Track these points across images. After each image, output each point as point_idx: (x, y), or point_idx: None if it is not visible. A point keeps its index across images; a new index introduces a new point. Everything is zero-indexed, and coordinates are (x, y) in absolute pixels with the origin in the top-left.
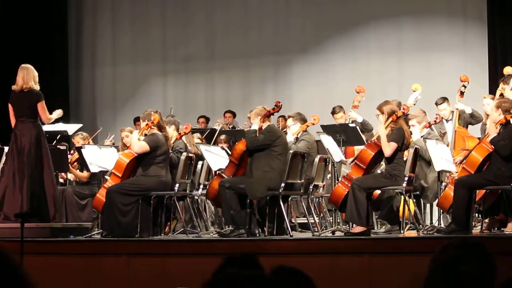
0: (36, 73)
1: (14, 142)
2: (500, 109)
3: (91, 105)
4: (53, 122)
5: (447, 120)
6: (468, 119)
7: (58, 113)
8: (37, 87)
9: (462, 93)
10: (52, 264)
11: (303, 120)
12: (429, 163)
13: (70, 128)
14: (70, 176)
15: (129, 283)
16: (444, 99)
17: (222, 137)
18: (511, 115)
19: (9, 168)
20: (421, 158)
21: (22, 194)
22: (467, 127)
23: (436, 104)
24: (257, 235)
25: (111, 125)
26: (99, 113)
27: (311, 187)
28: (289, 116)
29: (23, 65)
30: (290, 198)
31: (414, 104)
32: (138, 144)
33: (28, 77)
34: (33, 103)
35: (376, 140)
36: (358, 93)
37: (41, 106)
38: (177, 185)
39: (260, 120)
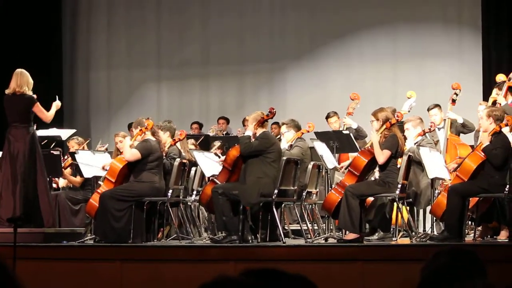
0: (31, 80)
1: (8, 147)
2: (492, 118)
3: (85, 110)
4: (47, 126)
5: (439, 128)
6: (460, 129)
7: (56, 104)
8: (30, 92)
9: (454, 101)
10: (45, 269)
11: (297, 127)
12: (422, 167)
13: (64, 133)
14: (63, 182)
15: None
16: (436, 105)
17: (216, 143)
18: (504, 124)
19: (3, 174)
20: (415, 163)
21: (15, 199)
22: (458, 135)
23: (428, 109)
24: (250, 241)
25: (105, 130)
26: (93, 118)
27: (304, 193)
28: (283, 123)
29: (17, 70)
30: (283, 205)
31: (409, 111)
32: (130, 152)
33: (22, 80)
34: (26, 108)
35: (369, 147)
36: (352, 100)
37: (38, 109)
38: (170, 191)
39: (254, 126)
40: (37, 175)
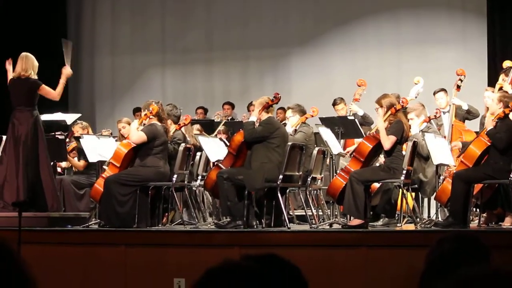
0: (36, 63)
1: (12, 131)
2: (502, 103)
3: (90, 95)
4: (52, 111)
5: (444, 112)
6: (465, 115)
7: (62, 82)
8: (35, 76)
9: (458, 87)
10: (49, 253)
11: (302, 112)
12: (426, 158)
13: (69, 117)
14: (65, 163)
15: (126, 273)
16: (442, 89)
17: (221, 128)
18: (509, 109)
19: (7, 157)
20: (419, 155)
21: (19, 183)
22: (463, 122)
23: (434, 93)
24: (255, 226)
25: (109, 115)
26: (98, 103)
27: (309, 179)
28: (289, 108)
29: (22, 53)
30: (288, 190)
31: (416, 97)
32: (136, 134)
33: (27, 64)
34: (31, 91)
35: (374, 133)
36: (359, 86)
37: (44, 91)
38: (175, 176)
39: (259, 112)
40: (40, 159)
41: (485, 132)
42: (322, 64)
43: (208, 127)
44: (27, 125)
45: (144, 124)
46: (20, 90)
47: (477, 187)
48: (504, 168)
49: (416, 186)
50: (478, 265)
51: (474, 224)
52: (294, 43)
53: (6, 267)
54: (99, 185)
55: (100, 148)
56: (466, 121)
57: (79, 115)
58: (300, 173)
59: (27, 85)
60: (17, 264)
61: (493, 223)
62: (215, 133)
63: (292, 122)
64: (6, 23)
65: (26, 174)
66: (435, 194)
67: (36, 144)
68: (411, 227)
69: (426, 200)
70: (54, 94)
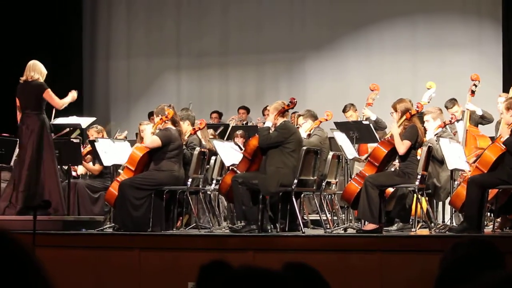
0: (44, 70)
1: (20, 135)
2: (511, 110)
3: (105, 98)
4: (67, 114)
5: (457, 120)
6: (479, 120)
7: (73, 96)
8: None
9: (473, 92)
10: (63, 257)
11: (314, 117)
12: (441, 162)
13: (84, 121)
14: (81, 169)
15: (140, 277)
16: (453, 102)
17: (239, 132)
18: None
19: (17, 161)
20: (434, 159)
21: (25, 186)
22: (477, 126)
23: (446, 108)
24: (269, 231)
25: (124, 119)
26: (113, 107)
27: (323, 184)
28: (300, 115)
29: (31, 61)
30: (302, 195)
31: (428, 102)
32: (150, 138)
33: (36, 70)
34: (37, 94)
35: (389, 137)
36: (372, 90)
37: (48, 95)
38: (190, 180)
39: (275, 117)
40: (44, 163)
41: (502, 142)
42: (337, 69)
43: (223, 132)
44: (32, 128)
45: (160, 129)
46: (28, 93)
47: (492, 192)
48: None
49: (430, 191)
50: (493, 270)
51: (488, 229)
52: (309, 47)
53: (24, 269)
54: (114, 188)
55: (115, 151)
56: (480, 126)
57: (94, 118)
58: (315, 177)
59: (34, 89)
60: (35, 266)
61: (508, 228)
62: (225, 137)
63: (305, 127)
64: (21, 24)
65: (34, 177)
66: (449, 199)
67: (40, 146)
68: (425, 232)
69: (440, 205)
70: (57, 102)
